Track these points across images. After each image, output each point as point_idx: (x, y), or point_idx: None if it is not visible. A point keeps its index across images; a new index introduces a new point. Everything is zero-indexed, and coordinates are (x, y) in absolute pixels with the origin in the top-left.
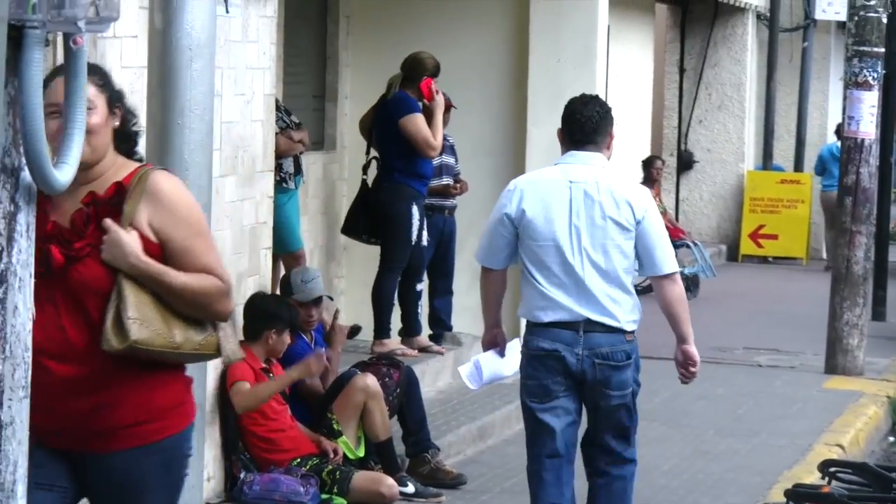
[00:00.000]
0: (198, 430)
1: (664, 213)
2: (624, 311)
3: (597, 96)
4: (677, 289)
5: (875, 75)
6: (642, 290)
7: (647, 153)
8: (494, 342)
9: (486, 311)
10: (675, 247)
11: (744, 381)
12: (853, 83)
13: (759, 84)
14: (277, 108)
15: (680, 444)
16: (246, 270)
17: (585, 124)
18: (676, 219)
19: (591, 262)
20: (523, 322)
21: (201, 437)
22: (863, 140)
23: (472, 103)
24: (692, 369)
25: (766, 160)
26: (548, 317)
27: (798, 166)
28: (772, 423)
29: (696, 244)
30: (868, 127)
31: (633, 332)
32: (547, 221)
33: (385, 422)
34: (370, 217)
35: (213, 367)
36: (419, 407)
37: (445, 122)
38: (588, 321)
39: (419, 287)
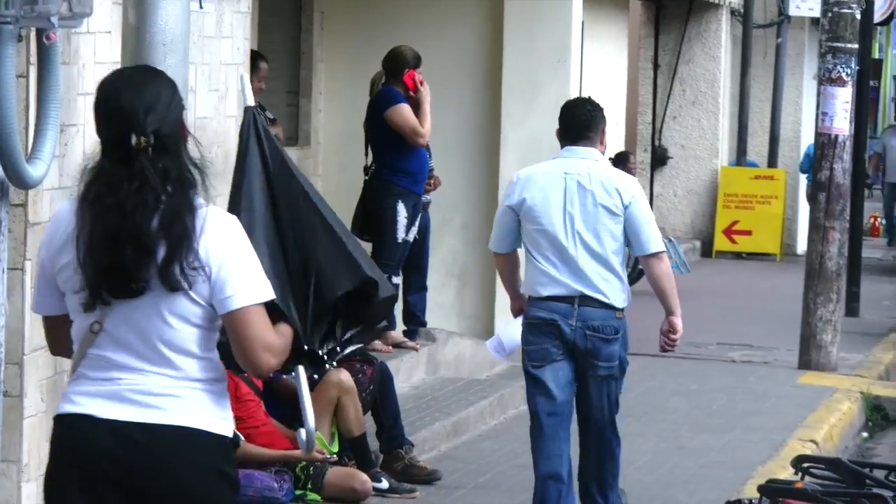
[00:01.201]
0: None
1: None
2: (614, 290)
3: (590, 98)
4: (664, 266)
5: (849, 71)
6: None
7: (620, 148)
8: (521, 309)
9: (506, 287)
10: None
11: (718, 376)
12: (827, 79)
13: (733, 80)
14: None
15: (654, 440)
16: None
17: (578, 122)
18: None
19: (583, 245)
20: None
21: None
22: (836, 136)
23: (446, 100)
24: (673, 337)
25: (740, 156)
26: (546, 291)
27: (772, 162)
28: (746, 419)
29: (670, 240)
30: (842, 123)
31: (622, 310)
32: (544, 208)
33: (359, 417)
34: (366, 214)
35: None
36: (393, 403)
37: None
38: (583, 296)
39: (395, 282)
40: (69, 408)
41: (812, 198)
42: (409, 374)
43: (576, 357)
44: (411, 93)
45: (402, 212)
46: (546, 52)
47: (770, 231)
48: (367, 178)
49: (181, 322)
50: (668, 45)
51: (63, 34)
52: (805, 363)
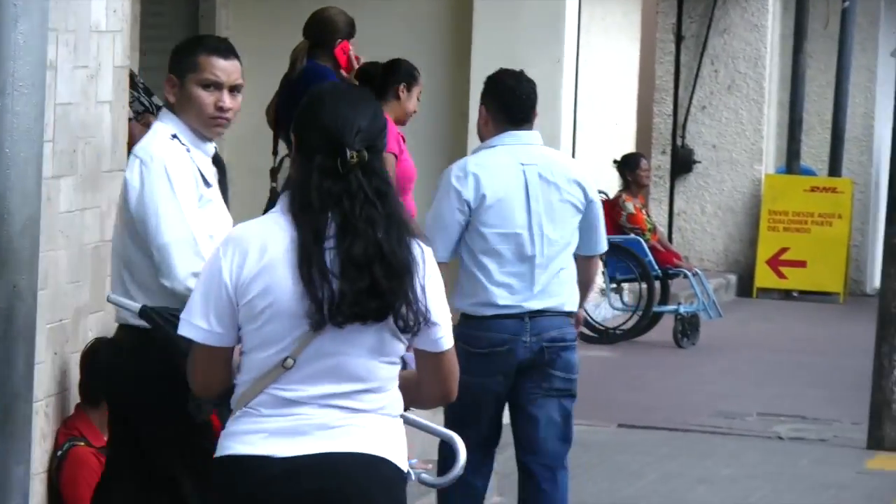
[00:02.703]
0: None
1: (653, 230)
2: (571, 294)
3: (521, 71)
4: (598, 264)
5: None
6: (620, 336)
7: (629, 149)
8: None
9: None
10: (668, 276)
11: (758, 458)
12: None
13: (783, 58)
14: (133, 86)
15: None
16: (87, 306)
17: (525, 102)
18: (670, 239)
19: (549, 247)
20: None
21: None
22: None
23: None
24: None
25: (792, 161)
26: (491, 309)
27: (835, 169)
28: None
29: (695, 273)
30: None
31: (573, 315)
32: (507, 207)
33: None
34: None
35: (39, 440)
36: None
37: None
38: (536, 310)
39: None
40: (240, 447)
41: (889, 217)
42: None
43: (524, 380)
44: (343, 71)
45: None
46: (529, 19)
47: (831, 262)
48: (273, 184)
49: (388, 359)
50: (696, 10)
51: None
52: (877, 441)
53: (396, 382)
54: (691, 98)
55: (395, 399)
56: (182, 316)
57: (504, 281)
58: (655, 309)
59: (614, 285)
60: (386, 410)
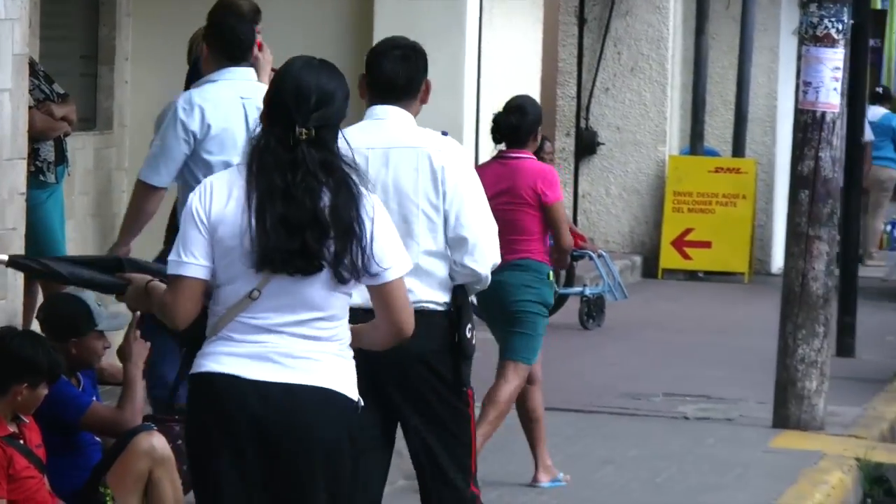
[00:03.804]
0: None
1: None
2: None
3: (245, 9)
4: None
5: (840, 27)
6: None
7: None
8: None
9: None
10: (573, 258)
11: (664, 438)
12: (811, 38)
13: (685, 39)
14: (33, 73)
15: None
16: None
17: (244, 42)
18: (575, 221)
19: None
20: None
21: None
22: (823, 114)
23: None
24: None
25: (696, 142)
26: None
27: (738, 149)
28: (702, 496)
29: (600, 255)
30: (831, 96)
31: None
32: (230, 137)
33: (178, 497)
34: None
35: None
36: None
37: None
38: None
39: None
40: (212, 366)
41: (792, 197)
42: None
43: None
44: None
45: None
46: (431, 2)
47: (736, 243)
48: None
49: (340, 293)
50: None
51: None
52: (782, 420)
53: (348, 313)
54: (594, 80)
55: (346, 328)
56: (170, 258)
57: None
58: (561, 291)
59: None
60: (339, 338)
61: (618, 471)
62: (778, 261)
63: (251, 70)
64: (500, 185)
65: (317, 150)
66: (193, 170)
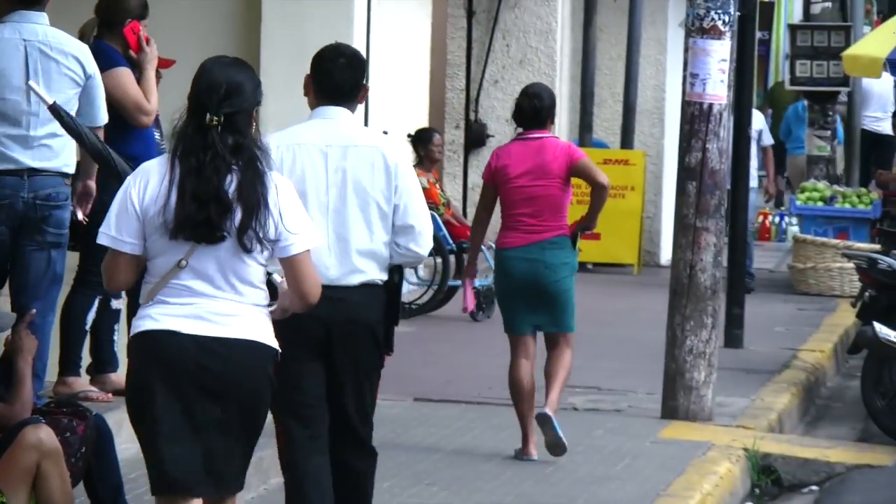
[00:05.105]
0: None
1: (447, 205)
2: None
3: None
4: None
5: (727, 18)
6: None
7: (422, 124)
8: None
9: None
10: (463, 250)
11: None
12: (697, 29)
13: (573, 31)
14: None
15: None
16: None
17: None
18: (464, 213)
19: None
20: None
21: None
22: (710, 106)
23: (185, 59)
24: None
25: (584, 133)
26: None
27: (627, 141)
28: (590, 488)
29: (490, 246)
30: (717, 88)
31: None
32: (5, 76)
33: (67, 490)
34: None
35: None
36: (113, 470)
37: (157, 81)
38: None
39: (115, 305)
40: (153, 325)
41: (680, 189)
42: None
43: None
44: (132, 52)
45: None
46: None
47: (624, 234)
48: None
49: (252, 261)
50: None
51: None
52: (670, 411)
53: (264, 278)
54: (483, 72)
55: (263, 291)
56: (101, 230)
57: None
58: (451, 283)
59: None
60: (257, 301)
61: (503, 463)
62: (667, 252)
63: (42, 14)
64: (527, 164)
65: (229, 134)
66: None
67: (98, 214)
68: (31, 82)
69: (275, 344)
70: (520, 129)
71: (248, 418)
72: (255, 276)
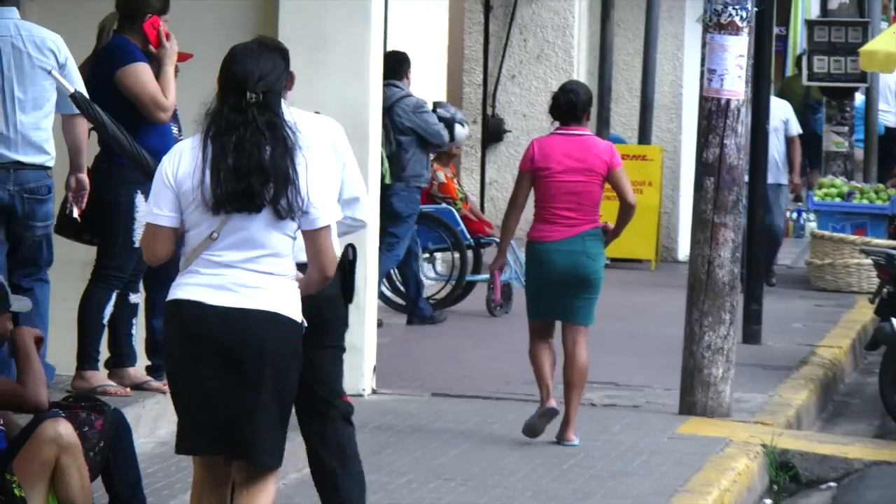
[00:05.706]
0: None
1: (465, 199)
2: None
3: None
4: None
5: (744, 14)
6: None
7: None
8: None
9: None
10: (480, 245)
11: None
12: (715, 25)
13: (591, 27)
14: None
15: None
16: None
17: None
18: (482, 208)
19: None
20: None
21: None
22: (728, 101)
23: (203, 56)
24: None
25: (602, 129)
26: None
27: (644, 137)
28: (607, 483)
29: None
30: (735, 84)
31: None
32: None
33: (85, 485)
34: (89, 207)
35: None
36: (131, 464)
37: (175, 75)
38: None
39: (133, 299)
40: (182, 294)
41: (698, 184)
42: (153, 424)
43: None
44: (151, 48)
45: (140, 206)
46: None
47: (642, 230)
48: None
49: (282, 233)
50: None
51: None
52: (688, 407)
53: (292, 251)
54: (501, 68)
55: (291, 263)
56: (146, 208)
57: None
58: (468, 278)
59: (427, 255)
60: (285, 272)
61: (525, 457)
62: (684, 248)
63: (12, 10)
64: (570, 162)
65: (263, 112)
66: None
67: (96, 207)
68: (54, 72)
69: (299, 317)
70: (556, 123)
71: (273, 388)
72: (284, 248)
